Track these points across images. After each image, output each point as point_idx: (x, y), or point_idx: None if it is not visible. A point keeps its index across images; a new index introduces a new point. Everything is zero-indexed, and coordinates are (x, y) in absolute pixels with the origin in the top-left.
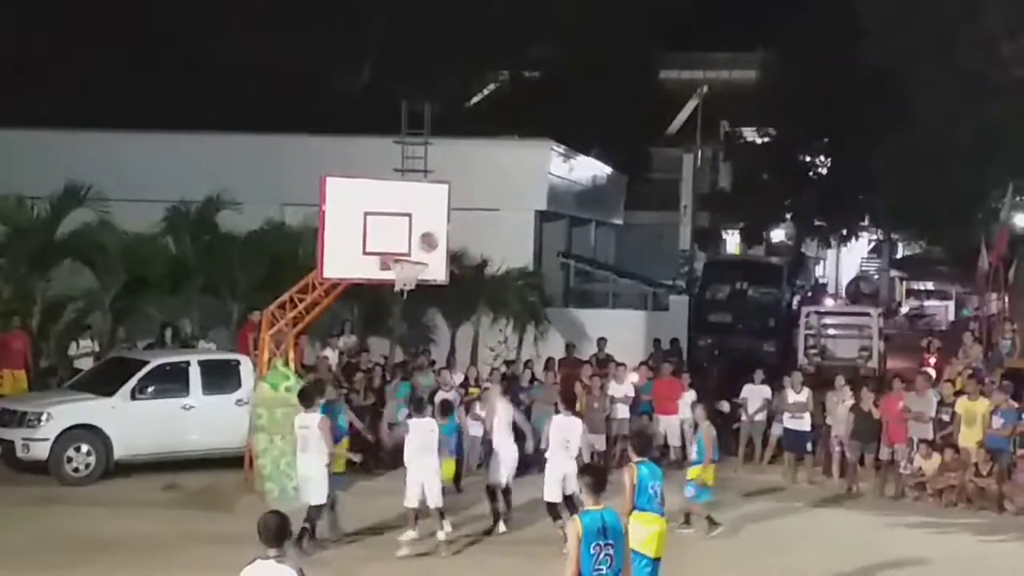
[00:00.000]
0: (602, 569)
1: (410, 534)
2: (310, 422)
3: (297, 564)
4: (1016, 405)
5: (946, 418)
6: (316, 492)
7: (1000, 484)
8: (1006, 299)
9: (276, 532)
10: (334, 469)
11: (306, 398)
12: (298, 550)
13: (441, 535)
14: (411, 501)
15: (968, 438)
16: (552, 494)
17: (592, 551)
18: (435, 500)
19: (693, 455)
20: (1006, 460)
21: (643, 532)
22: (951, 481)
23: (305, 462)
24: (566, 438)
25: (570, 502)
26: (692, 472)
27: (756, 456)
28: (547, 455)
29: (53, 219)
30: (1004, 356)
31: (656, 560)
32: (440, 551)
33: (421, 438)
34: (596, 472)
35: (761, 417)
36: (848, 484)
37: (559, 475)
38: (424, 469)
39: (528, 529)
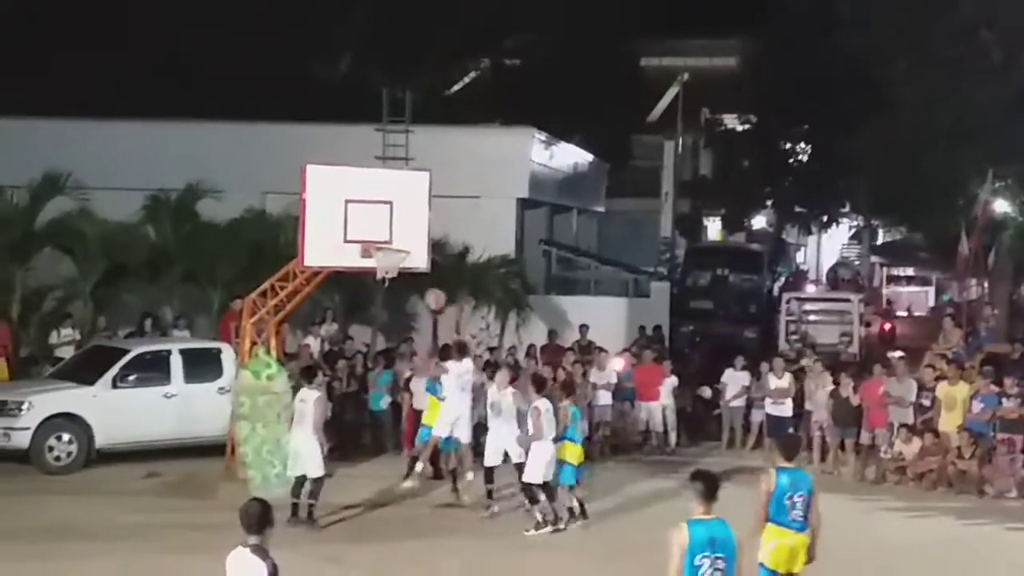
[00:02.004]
0: None
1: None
2: (308, 398)
3: (272, 557)
4: (996, 390)
5: (926, 403)
6: (312, 466)
7: (980, 468)
8: (986, 284)
9: (258, 519)
10: None
11: (308, 374)
12: (309, 526)
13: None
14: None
15: (948, 422)
16: (532, 475)
17: (697, 563)
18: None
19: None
20: (986, 444)
21: (769, 543)
22: (931, 465)
23: (298, 437)
24: (548, 418)
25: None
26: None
27: (738, 442)
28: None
29: (32, 208)
30: (984, 341)
31: (774, 573)
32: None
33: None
34: (708, 479)
35: (739, 403)
36: (829, 468)
37: (543, 456)
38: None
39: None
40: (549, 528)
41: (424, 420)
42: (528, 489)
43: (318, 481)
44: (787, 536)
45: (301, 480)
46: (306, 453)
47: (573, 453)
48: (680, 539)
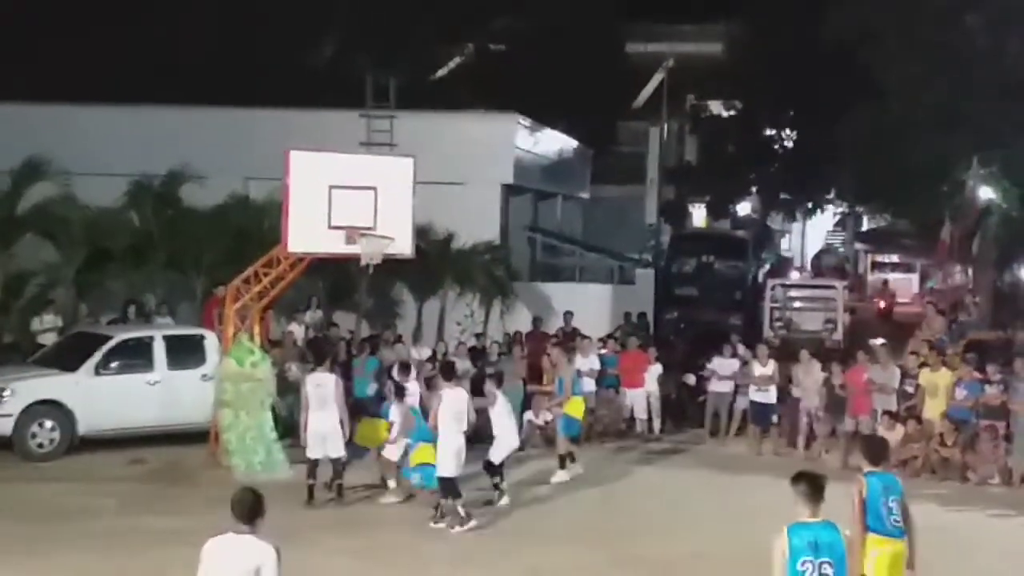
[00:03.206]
0: None
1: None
2: (326, 381)
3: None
4: (979, 376)
5: (910, 390)
6: (334, 446)
7: (963, 455)
8: (969, 271)
9: (251, 509)
10: None
11: (322, 358)
12: (337, 501)
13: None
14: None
15: (932, 409)
16: (447, 469)
17: (800, 568)
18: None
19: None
20: (969, 431)
21: (871, 553)
22: (914, 452)
23: (321, 419)
24: (457, 410)
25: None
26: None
27: (722, 429)
28: (439, 430)
29: (14, 193)
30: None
31: None
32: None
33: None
34: (812, 480)
35: (727, 389)
36: (814, 456)
37: (453, 449)
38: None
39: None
40: (472, 523)
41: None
42: (446, 483)
43: (338, 460)
44: (887, 544)
45: (315, 463)
46: (331, 435)
47: (578, 408)
48: (782, 546)
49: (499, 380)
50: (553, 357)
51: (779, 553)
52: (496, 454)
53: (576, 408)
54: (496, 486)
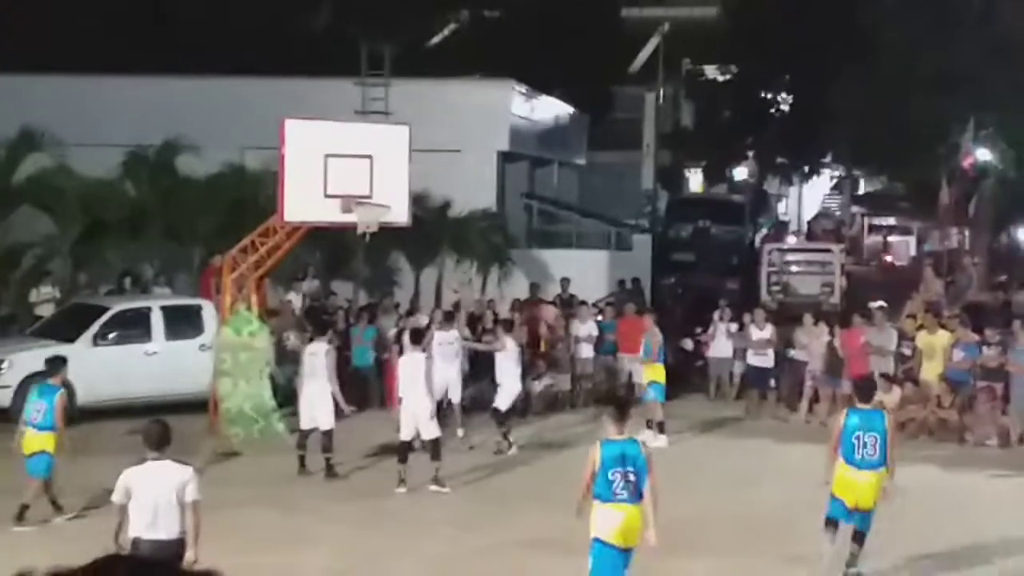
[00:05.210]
0: (623, 495)
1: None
2: (319, 350)
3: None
4: (976, 338)
5: (907, 352)
6: (324, 418)
7: (961, 416)
8: (967, 233)
9: (159, 437)
10: None
11: (320, 328)
12: (331, 479)
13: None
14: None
15: (929, 371)
16: (406, 433)
17: (611, 477)
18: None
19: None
20: (966, 392)
21: (838, 476)
22: (912, 414)
23: (312, 389)
24: (413, 375)
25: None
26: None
27: (723, 393)
28: (400, 394)
29: (9, 164)
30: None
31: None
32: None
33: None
34: (618, 402)
35: (727, 354)
36: (822, 418)
37: (410, 413)
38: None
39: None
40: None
41: None
42: (404, 448)
43: (329, 433)
44: (850, 471)
45: (306, 433)
46: (320, 405)
47: (661, 373)
48: (593, 457)
49: (508, 326)
50: (645, 324)
51: (591, 463)
52: (502, 401)
53: (660, 374)
54: (504, 436)
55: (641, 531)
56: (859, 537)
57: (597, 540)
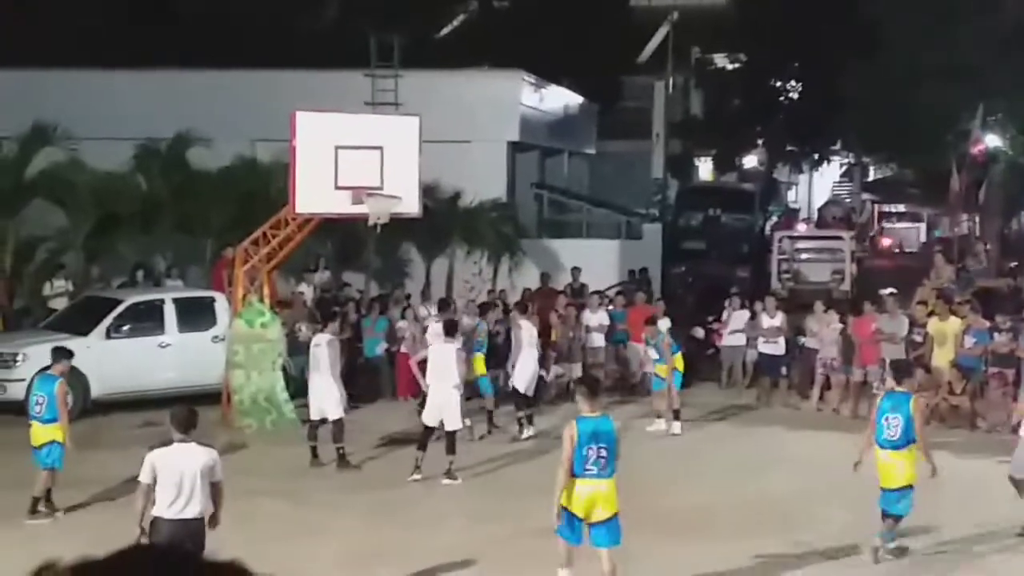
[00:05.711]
0: (593, 470)
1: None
2: (322, 341)
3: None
4: (987, 324)
5: (918, 339)
6: (332, 408)
7: (972, 402)
8: (977, 220)
9: (186, 421)
10: None
11: (325, 320)
12: (344, 469)
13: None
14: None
15: (940, 358)
16: (430, 419)
17: (585, 453)
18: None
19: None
20: (978, 379)
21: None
22: (923, 401)
23: (317, 381)
24: (442, 367)
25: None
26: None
27: (734, 381)
28: (428, 383)
29: (22, 158)
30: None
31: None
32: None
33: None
34: (591, 380)
35: (739, 342)
36: (834, 405)
37: (436, 404)
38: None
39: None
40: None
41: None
42: (426, 432)
43: (339, 423)
44: (880, 452)
45: (316, 425)
46: (326, 396)
47: (679, 361)
48: (571, 433)
49: (524, 308)
50: (649, 332)
51: (569, 439)
52: (520, 381)
53: (679, 363)
54: (527, 417)
55: (605, 507)
56: (887, 517)
57: (564, 509)
